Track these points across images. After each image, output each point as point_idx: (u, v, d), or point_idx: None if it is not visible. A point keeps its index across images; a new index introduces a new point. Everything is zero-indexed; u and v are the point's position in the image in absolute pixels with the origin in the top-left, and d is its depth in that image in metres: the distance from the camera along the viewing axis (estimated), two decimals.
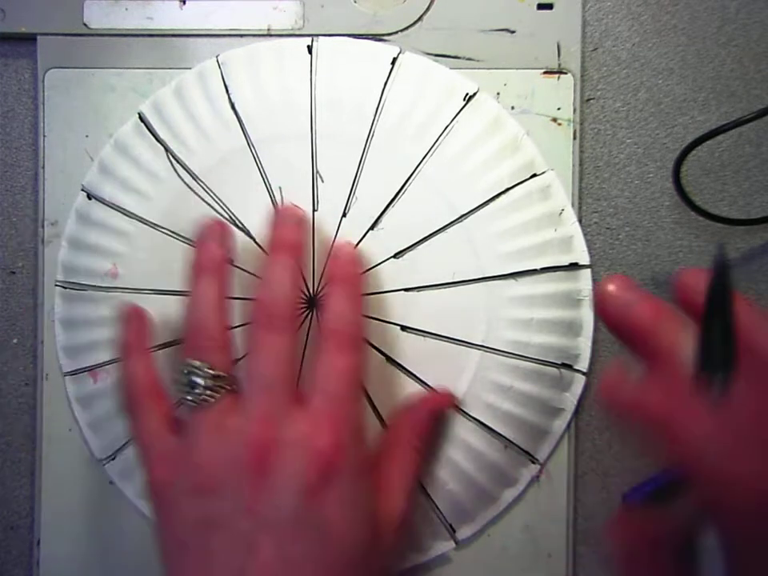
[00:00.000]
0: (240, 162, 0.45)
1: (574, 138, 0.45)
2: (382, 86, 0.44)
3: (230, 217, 0.45)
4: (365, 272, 0.44)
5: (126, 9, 0.46)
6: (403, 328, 0.44)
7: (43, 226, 0.46)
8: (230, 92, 0.45)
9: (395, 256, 0.44)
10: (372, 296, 0.45)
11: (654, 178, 0.46)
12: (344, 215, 0.45)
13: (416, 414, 0.43)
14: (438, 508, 0.44)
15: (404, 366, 0.45)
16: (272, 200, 0.45)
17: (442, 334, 0.44)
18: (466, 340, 0.44)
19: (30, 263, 0.47)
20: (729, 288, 0.31)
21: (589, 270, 0.45)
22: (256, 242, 0.45)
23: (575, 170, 0.45)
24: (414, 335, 0.45)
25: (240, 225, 0.45)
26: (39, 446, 0.46)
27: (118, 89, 0.46)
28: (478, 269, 0.44)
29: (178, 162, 0.45)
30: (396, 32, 0.46)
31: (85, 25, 0.46)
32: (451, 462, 0.44)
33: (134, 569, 0.46)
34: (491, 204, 0.44)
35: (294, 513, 0.36)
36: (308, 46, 0.45)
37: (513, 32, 0.45)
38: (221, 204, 0.45)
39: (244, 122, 0.45)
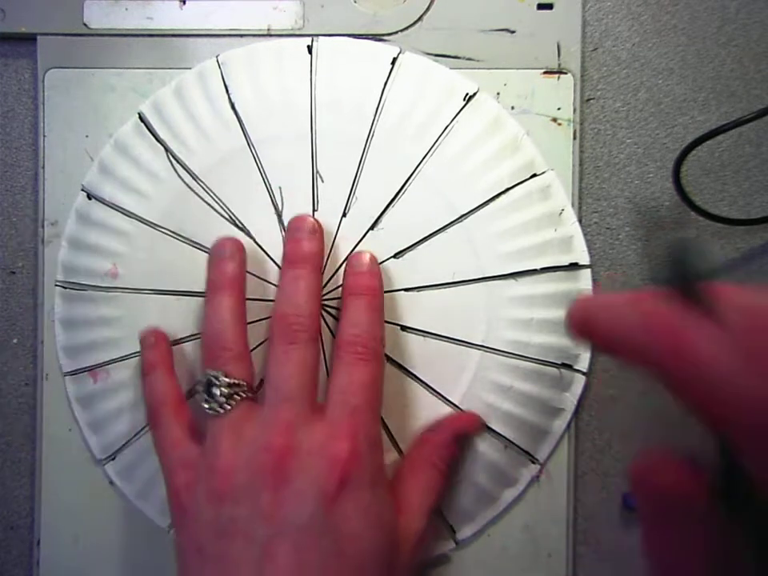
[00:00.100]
0: (240, 162, 0.45)
1: (574, 138, 0.45)
2: (382, 86, 0.44)
3: (229, 217, 0.45)
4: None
5: (126, 9, 0.46)
6: (403, 328, 0.44)
7: (43, 226, 0.46)
8: (229, 92, 0.45)
9: (395, 256, 0.44)
10: None
11: (653, 178, 0.46)
12: (344, 215, 0.45)
13: (440, 435, 0.43)
14: (438, 509, 0.44)
15: (404, 365, 0.45)
16: (272, 200, 0.45)
17: (442, 334, 0.44)
18: (465, 340, 0.44)
19: (30, 263, 0.47)
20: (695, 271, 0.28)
21: (589, 270, 0.45)
22: (256, 243, 0.45)
23: (575, 170, 0.45)
24: (414, 335, 0.45)
25: (240, 225, 0.45)
26: (39, 446, 0.46)
27: (118, 89, 0.46)
28: (478, 269, 0.44)
29: (177, 162, 0.45)
30: (396, 32, 0.46)
31: (85, 25, 0.46)
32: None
33: (133, 569, 0.46)
34: (491, 204, 0.44)
35: (312, 519, 0.36)
36: (308, 46, 0.45)
37: (513, 32, 0.45)
38: (221, 204, 0.45)
39: (244, 122, 0.45)
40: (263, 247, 0.45)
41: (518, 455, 0.44)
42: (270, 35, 0.46)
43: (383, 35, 0.46)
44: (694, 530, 0.27)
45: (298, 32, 0.46)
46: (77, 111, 0.46)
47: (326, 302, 0.44)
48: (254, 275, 0.45)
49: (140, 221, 0.45)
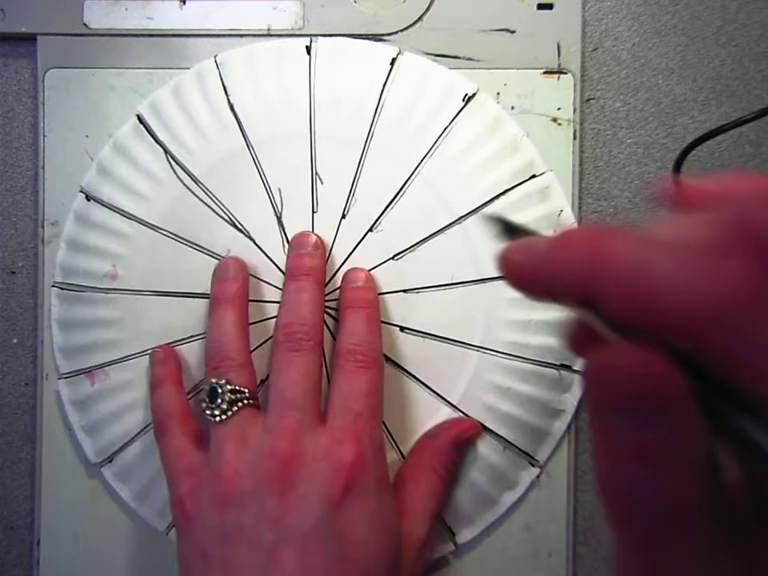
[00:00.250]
0: (239, 164, 0.45)
1: (574, 138, 0.45)
2: (381, 87, 0.44)
3: (229, 218, 0.45)
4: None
5: (126, 9, 0.46)
6: (402, 329, 0.45)
7: (43, 226, 0.46)
8: (228, 93, 0.45)
9: (394, 257, 0.44)
10: None
11: (653, 178, 0.46)
12: (343, 216, 0.45)
13: (440, 441, 0.43)
14: (438, 513, 0.44)
15: (403, 366, 0.45)
16: (271, 201, 0.45)
17: (441, 335, 0.44)
18: (464, 341, 0.44)
19: (30, 263, 0.47)
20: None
21: None
22: (255, 244, 0.45)
23: (575, 170, 0.45)
24: (412, 336, 0.45)
25: (239, 226, 0.45)
26: (39, 446, 0.46)
27: (118, 89, 0.46)
28: (477, 270, 0.44)
29: (177, 163, 0.45)
30: (396, 32, 0.46)
31: (85, 25, 0.46)
32: None
33: (133, 569, 0.46)
34: (490, 205, 0.44)
35: (317, 525, 0.36)
36: (306, 47, 0.45)
37: (513, 32, 0.45)
38: (220, 205, 0.45)
39: (243, 123, 0.45)
40: (262, 248, 0.45)
41: (517, 457, 0.44)
42: (270, 35, 0.46)
43: (383, 35, 0.45)
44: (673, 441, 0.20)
45: (298, 32, 0.46)
46: (77, 111, 0.46)
47: (326, 304, 0.44)
48: (253, 276, 0.45)
49: (139, 222, 0.45)
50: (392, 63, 0.45)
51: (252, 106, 0.45)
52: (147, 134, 0.45)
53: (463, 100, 0.44)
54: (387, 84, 0.44)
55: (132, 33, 0.46)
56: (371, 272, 0.44)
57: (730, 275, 0.19)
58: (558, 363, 0.44)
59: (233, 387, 0.40)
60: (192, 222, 0.45)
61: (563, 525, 0.45)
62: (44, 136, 0.46)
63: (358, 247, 0.45)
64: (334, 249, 0.45)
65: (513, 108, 0.45)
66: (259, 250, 0.45)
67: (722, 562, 0.21)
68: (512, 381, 0.44)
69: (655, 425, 0.20)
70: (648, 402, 0.19)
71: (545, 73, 0.45)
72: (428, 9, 0.45)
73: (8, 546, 0.47)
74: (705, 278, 0.19)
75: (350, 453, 0.38)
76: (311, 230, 0.45)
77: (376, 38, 0.45)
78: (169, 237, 0.45)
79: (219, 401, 0.39)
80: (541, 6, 0.45)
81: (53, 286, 0.46)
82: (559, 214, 0.44)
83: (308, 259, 0.43)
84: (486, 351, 0.44)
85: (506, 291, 0.43)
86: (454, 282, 0.44)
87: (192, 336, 0.45)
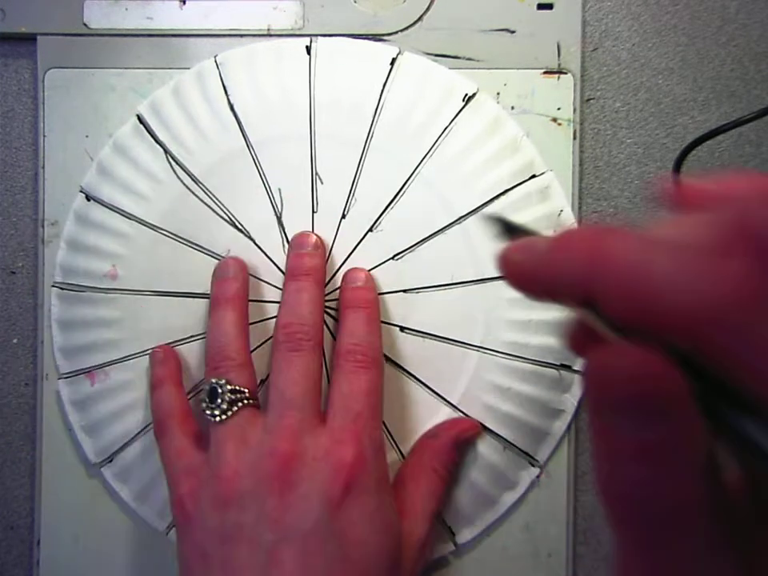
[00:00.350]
0: (239, 164, 0.45)
1: (574, 138, 0.45)
2: (381, 87, 0.44)
3: (229, 218, 0.45)
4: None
5: (126, 9, 0.46)
6: (402, 329, 0.45)
7: (43, 226, 0.46)
8: (228, 93, 0.45)
9: (394, 257, 0.44)
10: None
11: (653, 178, 0.46)
12: (343, 216, 0.45)
13: (440, 441, 0.43)
14: (438, 513, 0.44)
15: (403, 366, 0.45)
16: (271, 202, 0.45)
17: (441, 335, 0.44)
18: (464, 341, 0.44)
19: (30, 263, 0.47)
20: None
21: None
22: (255, 244, 0.45)
23: (575, 170, 0.45)
24: (413, 336, 0.45)
25: (239, 226, 0.45)
26: (39, 446, 0.46)
27: (118, 89, 0.46)
28: (477, 270, 0.44)
29: (177, 163, 0.45)
30: (396, 32, 0.46)
31: (85, 25, 0.46)
32: None
33: (133, 569, 0.46)
34: (490, 205, 0.44)
35: (317, 525, 0.36)
36: (306, 47, 0.45)
37: (513, 32, 0.45)
38: (220, 205, 0.45)
39: (243, 123, 0.45)
40: (262, 248, 0.45)
41: (517, 457, 0.44)
42: (270, 35, 0.46)
43: (383, 35, 0.45)
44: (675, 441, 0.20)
45: (298, 32, 0.46)
46: (77, 111, 0.46)
47: (325, 303, 0.44)
48: (253, 276, 0.45)
49: (139, 222, 0.45)
50: (392, 63, 0.45)
51: (252, 105, 0.45)
52: (147, 133, 0.45)
53: (463, 100, 0.44)
54: (387, 84, 0.44)
55: (132, 33, 0.46)
56: (371, 272, 0.44)
57: (730, 275, 0.19)
58: (558, 363, 0.44)
59: (233, 387, 0.40)
60: (192, 222, 0.45)
61: (563, 525, 0.45)
62: (44, 136, 0.46)
63: (358, 247, 0.45)
64: (334, 249, 0.45)
65: (513, 108, 0.45)
66: (259, 250, 0.45)
67: (722, 562, 0.20)
68: (512, 381, 0.44)
69: (655, 425, 0.20)
70: (648, 402, 0.19)
71: (545, 73, 0.45)
72: (428, 9, 0.45)
73: (8, 546, 0.47)
74: (705, 277, 0.19)
75: (349, 453, 0.38)
76: (311, 230, 0.45)
77: (376, 38, 0.45)
78: (169, 237, 0.45)
79: (219, 401, 0.39)
80: (541, 6, 0.45)
81: (53, 286, 0.46)
82: (559, 214, 0.44)
83: (308, 259, 0.43)
84: (486, 351, 0.44)
85: (506, 291, 0.43)
86: (454, 282, 0.44)
87: (192, 336, 0.45)
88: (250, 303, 0.44)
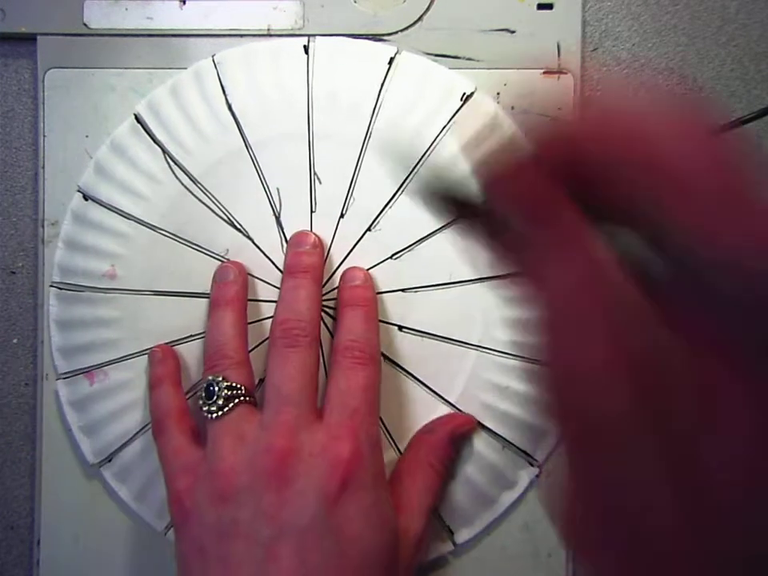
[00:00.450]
0: (237, 163, 0.45)
1: None
2: (379, 86, 0.44)
3: (228, 218, 0.45)
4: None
5: (126, 9, 0.46)
6: (400, 328, 0.45)
7: (43, 226, 0.46)
8: (226, 92, 0.45)
9: (392, 257, 0.44)
10: None
11: None
12: (341, 216, 0.45)
13: (436, 436, 0.44)
14: (435, 510, 0.44)
15: (401, 365, 0.45)
16: (270, 201, 0.45)
17: (439, 334, 0.44)
18: (462, 340, 0.44)
19: (30, 263, 0.47)
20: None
21: None
22: (254, 244, 0.45)
23: None
24: (411, 335, 0.45)
25: (238, 226, 0.45)
26: (39, 446, 0.46)
27: (118, 89, 0.46)
28: (475, 269, 0.44)
29: (175, 163, 0.45)
30: (396, 32, 0.45)
31: (85, 25, 0.46)
32: None
33: (133, 569, 0.46)
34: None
35: (314, 521, 0.37)
36: (304, 46, 0.45)
37: (513, 32, 0.45)
38: (219, 205, 0.45)
39: (241, 122, 0.45)
40: (261, 248, 0.45)
41: (516, 456, 0.44)
42: (270, 35, 0.46)
43: (383, 35, 0.45)
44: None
45: (297, 32, 0.46)
46: (77, 111, 0.46)
47: (323, 303, 0.44)
48: (252, 276, 0.45)
49: (138, 222, 0.45)
50: (390, 63, 0.45)
51: (250, 105, 0.45)
52: (145, 133, 0.45)
53: (461, 99, 0.44)
54: (385, 83, 0.44)
55: (132, 33, 0.46)
56: (369, 271, 0.44)
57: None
58: None
59: (229, 384, 0.40)
60: (191, 222, 0.45)
61: None
62: (44, 136, 0.46)
63: (357, 247, 0.45)
64: (332, 248, 0.45)
65: (513, 108, 0.45)
66: (258, 250, 0.45)
67: (643, 446, 0.21)
68: (510, 379, 0.44)
69: (540, 227, 0.22)
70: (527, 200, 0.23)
71: (545, 73, 0.45)
72: (428, 9, 0.45)
73: (8, 546, 0.47)
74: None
75: (346, 449, 0.38)
76: (310, 229, 0.45)
77: (376, 38, 0.45)
78: (168, 236, 0.45)
79: (215, 397, 0.40)
80: (541, 6, 0.45)
81: (51, 286, 0.46)
82: None
83: (306, 257, 0.43)
84: (484, 350, 0.44)
85: (504, 290, 0.43)
86: (452, 281, 0.44)
87: (191, 336, 0.45)
88: (248, 303, 0.44)
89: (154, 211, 0.45)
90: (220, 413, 0.39)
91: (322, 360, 0.44)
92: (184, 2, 0.46)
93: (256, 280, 0.45)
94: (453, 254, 0.44)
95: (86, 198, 0.45)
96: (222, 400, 0.39)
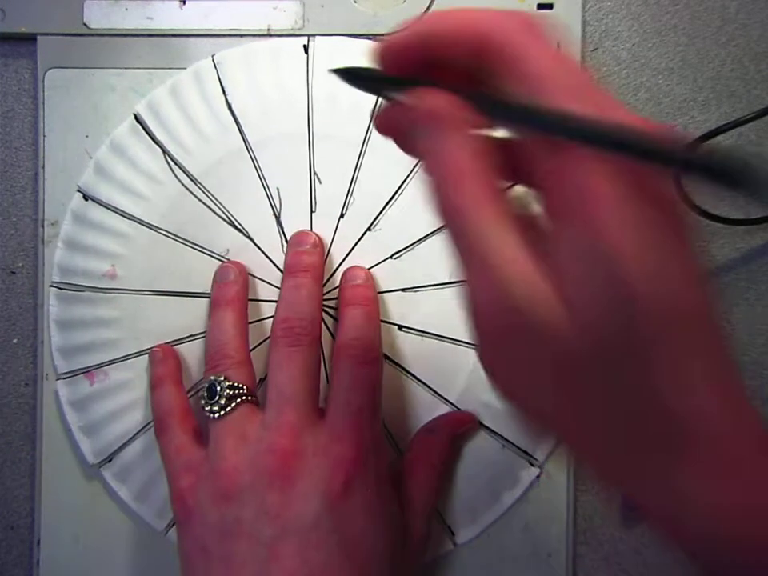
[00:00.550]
0: (237, 163, 0.45)
1: None
2: None
3: (228, 218, 0.45)
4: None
5: (126, 9, 0.46)
6: (400, 328, 0.45)
7: (43, 226, 0.46)
8: (226, 92, 0.45)
9: (393, 256, 0.44)
10: None
11: None
12: (342, 216, 0.45)
13: (437, 435, 0.44)
14: (436, 510, 0.44)
15: (402, 365, 0.45)
16: (270, 201, 0.45)
17: (439, 334, 0.44)
18: (462, 339, 0.44)
19: (30, 263, 0.47)
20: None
21: None
22: (254, 243, 0.45)
23: None
24: (411, 334, 0.45)
25: (238, 226, 0.45)
26: (39, 446, 0.46)
27: (118, 89, 0.46)
28: None
29: (175, 163, 0.45)
30: (396, 32, 0.45)
31: (85, 25, 0.46)
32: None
33: (134, 569, 0.46)
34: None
35: (317, 520, 0.37)
36: (304, 46, 0.45)
37: None
38: (219, 205, 0.45)
39: (241, 122, 0.45)
40: (261, 248, 0.45)
41: (516, 456, 0.44)
42: (270, 35, 0.46)
43: (383, 35, 0.45)
44: None
45: (298, 32, 0.46)
46: (77, 111, 0.46)
47: (324, 303, 0.44)
48: (252, 276, 0.45)
49: (138, 222, 0.45)
50: None
51: (250, 105, 0.45)
52: (145, 133, 0.45)
53: None
54: None
55: (132, 33, 0.46)
56: (370, 271, 0.44)
57: None
58: None
59: (231, 383, 0.40)
60: (191, 222, 0.45)
61: (563, 525, 0.45)
62: (44, 136, 0.46)
63: (357, 246, 0.45)
64: (332, 248, 0.45)
65: None
66: (258, 250, 0.45)
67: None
68: None
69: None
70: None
71: None
72: (428, 9, 0.45)
73: (8, 546, 0.47)
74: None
75: (349, 448, 0.38)
76: (310, 229, 0.45)
77: (376, 38, 0.45)
78: (168, 236, 0.45)
79: (217, 397, 0.40)
80: (541, 6, 0.45)
81: (51, 286, 0.45)
82: None
83: (306, 257, 0.43)
84: None
85: None
86: (452, 280, 0.44)
87: (191, 335, 0.45)
88: (249, 302, 0.44)
89: (154, 211, 0.45)
90: (222, 412, 0.39)
91: (322, 360, 0.44)
92: (184, 2, 0.46)
93: (256, 280, 0.45)
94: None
95: (85, 197, 0.45)
96: (224, 400, 0.39)
